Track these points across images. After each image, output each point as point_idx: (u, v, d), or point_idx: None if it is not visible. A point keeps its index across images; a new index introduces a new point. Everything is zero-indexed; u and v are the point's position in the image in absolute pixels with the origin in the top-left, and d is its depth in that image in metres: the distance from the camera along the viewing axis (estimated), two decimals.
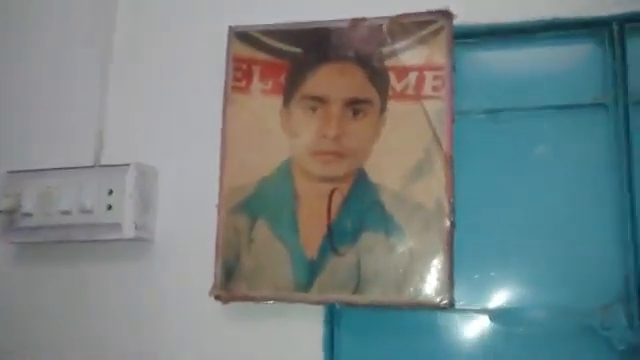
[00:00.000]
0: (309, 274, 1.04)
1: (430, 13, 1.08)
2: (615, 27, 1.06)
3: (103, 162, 1.23)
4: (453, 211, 1.01)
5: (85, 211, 1.14)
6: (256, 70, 1.13)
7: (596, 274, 1.02)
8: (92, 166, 1.21)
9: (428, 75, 1.06)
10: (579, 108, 1.07)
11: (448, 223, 1.01)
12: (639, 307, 0.98)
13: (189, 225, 1.16)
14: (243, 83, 1.14)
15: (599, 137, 1.05)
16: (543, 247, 1.04)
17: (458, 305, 1.00)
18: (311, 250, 1.05)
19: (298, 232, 1.06)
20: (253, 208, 1.08)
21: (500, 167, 1.08)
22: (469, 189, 1.04)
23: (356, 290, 1.02)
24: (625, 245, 1.00)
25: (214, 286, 1.07)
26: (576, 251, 1.03)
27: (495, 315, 1.04)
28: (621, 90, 1.05)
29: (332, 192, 1.06)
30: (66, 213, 1.15)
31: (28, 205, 1.18)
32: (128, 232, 1.13)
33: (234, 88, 1.14)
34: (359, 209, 1.05)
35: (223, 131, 1.13)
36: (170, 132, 1.21)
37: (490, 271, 1.05)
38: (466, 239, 1.03)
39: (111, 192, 1.15)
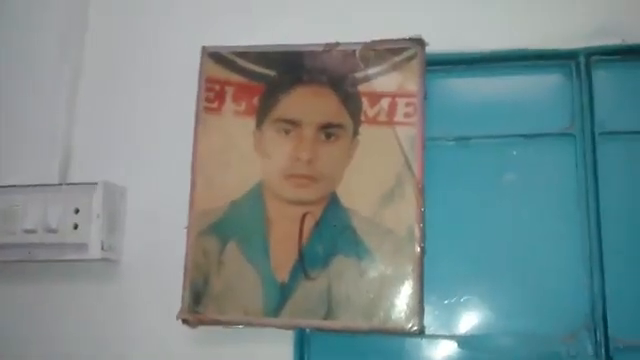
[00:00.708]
0: (280, 298, 1.03)
1: (403, 40, 1.09)
2: (582, 59, 1.08)
3: (69, 180, 1.20)
4: (423, 237, 1.02)
5: (50, 230, 1.12)
6: (229, 91, 1.13)
7: (563, 301, 1.03)
8: (58, 184, 1.18)
9: (400, 102, 1.07)
10: (547, 137, 1.09)
11: (418, 249, 1.02)
12: (605, 335, 0.99)
13: (157, 246, 1.15)
14: (215, 104, 1.13)
15: (567, 166, 1.07)
16: (511, 274, 1.05)
17: (427, 331, 1.01)
18: (282, 274, 1.04)
19: (269, 256, 1.05)
20: (224, 231, 1.07)
21: (469, 194, 1.09)
22: (438, 215, 1.05)
23: (327, 315, 1.02)
24: (591, 273, 1.01)
25: (182, 309, 1.06)
26: (543, 278, 1.05)
27: (463, 341, 1.04)
28: (588, 120, 1.07)
29: (304, 216, 1.06)
30: (30, 232, 1.13)
31: None
32: (94, 252, 1.11)
33: (206, 109, 1.13)
34: (331, 233, 1.05)
35: (194, 152, 1.12)
36: (139, 151, 1.20)
37: (458, 297, 1.06)
38: (435, 265, 1.03)
39: (78, 211, 1.13)
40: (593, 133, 1.07)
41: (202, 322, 1.05)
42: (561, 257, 1.05)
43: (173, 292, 1.08)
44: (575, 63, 1.09)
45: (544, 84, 1.12)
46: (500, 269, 1.06)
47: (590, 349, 0.99)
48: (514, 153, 1.10)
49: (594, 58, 1.09)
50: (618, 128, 1.07)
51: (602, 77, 1.08)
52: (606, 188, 1.05)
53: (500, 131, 1.10)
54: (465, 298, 1.06)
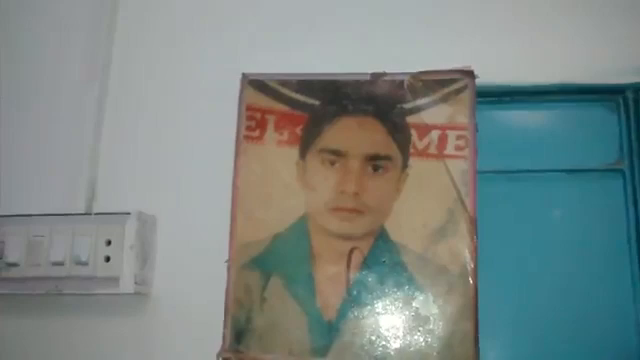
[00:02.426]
0: (327, 338, 0.99)
1: (453, 71, 1.07)
2: (630, 94, 1.08)
3: (96, 210, 1.14)
4: (477, 274, 0.99)
5: (80, 263, 1.06)
6: (271, 120, 1.09)
7: (614, 341, 1.02)
8: (87, 213, 1.12)
9: (451, 134, 1.05)
10: (596, 172, 1.08)
11: (472, 286, 0.98)
12: None
13: (190, 279, 1.10)
14: (257, 132, 1.09)
15: (616, 202, 1.06)
16: (564, 310, 1.04)
17: None
18: (329, 312, 1.00)
19: (315, 292, 1.01)
20: (266, 265, 1.03)
21: (518, 228, 1.07)
22: (488, 250, 1.02)
23: (378, 357, 0.97)
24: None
25: (223, 348, 1.01)
26: (593, 317, 1.04)
27: None
28: (637, 156, 1.06)
29: (351, 251, 1.02)
30: (58, 264, 1.07)
31: (14, 254, 1.08)
32: (127, 287, 1.06)
33: (247, 137, 1.09)
34: (380, 269, 1.01)
35: (234, 181, 1.08)
36: (172, 180, 1.15)
37: (512, 335, 1.03)
38: (487, 302, 1.00)
39: (109, 243, 1.07)
40: None
41: None
42: (611, 296, 1.04)
43: (209, 328, 1.03)
44: (623, 98, 1.09)
45: (592, 118, 1.11)
46: (552, 305, 1.04)
47: None
48: (562, 188, 1.07)
49: None
50: None
51: None
52: None
53: (548, 165, 1.09)
54: (518, 336, 1.03)
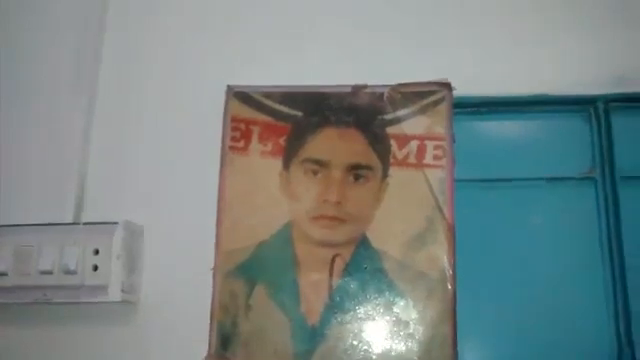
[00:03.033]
0: (311, 342, 1.02)
1: (430, 84, 1.11)
2: (601, 105, 1.12)
3: (84, 219, 1.16)
4: (455, 279, 1.02)
5: (69, 272, 1.08)
6: (255, 131, 1.12)
7: (590, 345, 1.06)
8: (75, 223, 1.14)
9: (429, 144, 1.08)
10: (569, 180, 1.12)
11: (451, 292, 1.02)
12: None
13: (177, 288, 1.12)
14: (241, 143, 1.12)
15: (589, 209, 1.10)
16: (538, 317, 1.07)
17: None
18: (313, 318, 1.03)
19: (299, 299, 1.04)
20: (251, 273, 1.06)
21: (494, 235, 1.10)
22: (466, 256, 1.06)
23: (359, 359, 1.00)
24: (617, 319, 1.04)
25: (209, 354, 1.03)
26: (569, 321, 1.07)
27: None
28: (608, 165, 1.10)
29: (333, 258, 1.05)
30: (47, 273, 1.09)
31: (2, 263, 1.10)
32: (115, 295, 1.08)
33: (232, 148, 1.12)
34: (361, 275, 1.04)
35: (220, 191, 1.10)
36: (157, 190, 1.17)
37: (489, 338, 1.06)
38: (465, 306, 1.03)
39: (97, 252, 1.09)
40: (614, 177, 1.10)
41: None
42: (587, 301, 1.07)
43: (196, 334, 1.06)
44: (594, 108, 1.13)
45: (565, 128, 1.15)
46: (528, 311, 1.07)
47: None
48: (538, 195, 1.11)
49: (612, 105, 1.12)
50: (639, 173, 1.09)
51: (621, 123, 1.12)
52: (628, 230, 1.07)
53: (524, 174, 1.13)
54: (496, 339, 1.06)
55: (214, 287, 1.06)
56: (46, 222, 1.13)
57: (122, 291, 1.08)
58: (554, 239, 1.09)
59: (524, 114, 1.15)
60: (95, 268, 1.09)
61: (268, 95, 1.13)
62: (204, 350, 1.04)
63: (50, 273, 1.09)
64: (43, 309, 1.12)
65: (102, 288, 1.08)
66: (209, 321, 1.05)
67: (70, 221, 1.15)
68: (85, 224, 1.14)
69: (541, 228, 1.10)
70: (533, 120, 1.15)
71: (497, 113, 1.15)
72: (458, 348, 1.01)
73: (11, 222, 1.13)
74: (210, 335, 1.04)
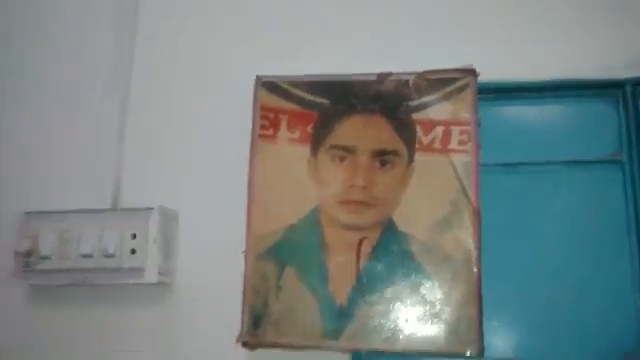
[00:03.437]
0: (339, 322, 1.05)
1: (455, 70, 1.12)
2: (628, 89, 1.12)
3: (121, 205, 1.22)
4: (480, 262, 1.04)
5: (108, 255, 1.13)
6: (283, 119, 1.16)
7: (617, 323, 1.06)
8: (113, 209, 1.20)
9: (454, 129, 1.10)
10: (596, 164, 1.12)
11: (476, 273, 1.03)
12: None
13: (211, 270, 1.16)
14: (270, 131, 1.16)
15: (615, 192, 1.10)
16: (565, 297, 1.08)
17: (486, 355, 1.02)
18: (340, 298, 1.06)
19: (327, 280, 1.07)
20: (281, 255, 1.09)
21: (520, 219, 1.11)
22: (492, 240, 1.07)
23: (385, 339, 1.03)
24: None
25: (241, 333, 1.07)
26: (597, 300, 1.07)
27: None
28: (635, 148, 1.10)
29: (361, 241, 1.08)
30: (87, 257, 1.14)
31: (46, 248, 1.16)
32: (151, 277, 1.13)
33: (261, 136, 1.16)
34: (388, 258, 1.07)
35: (250, 177, 1.14)
36: (191, 177, 1.22)
37: (515, 320, 1.08)
38: (491, 289, 1.05)
39: (134, 236, 1.14)
40: None
41: (262, 345, 1.07)
42: (611, 284, 1.07)
43: (228, 317, 1.09)
44: (622, 92, 1.13)
45: (592, 112, 1.15)
46: (554, 292, 1.08)
47: None
48: (564, 179, 1.12)
49: None
50: None
51: None
52: None
53: (550, 157, 1.13)
54: (521, 321, 1.08)
55: (245, 269, 1.09)
56: (86, 208, 1.18)
57: (158, 273, 1.13)
58: (579, 223, 1.10)
59: (550, 99, 1.15)
60: (133, 251, 1.14)
61: (295, 84, 1.16)
62: (236, 330, 1.08)
63: (90, 257, 1.14)
64: (83, 291, 1.17)
65: (139, 270, 1.13)
66: (241, 302, 1.08)
67: (109, 207, 1.20)
68: (122, 210, 1.19)
69: (566, 212, 1.11)
70: (559, 105, 1.16)
71: (523, 98, 1.16)
72: (484, 329, 1.02)
73: (54, 209, 1.19)
74: (242, 315, 1.08)
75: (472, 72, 1.11)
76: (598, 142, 1.13)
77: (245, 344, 1.07)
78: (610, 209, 1.10)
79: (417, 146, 1.10)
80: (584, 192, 1.12)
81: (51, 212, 1.19)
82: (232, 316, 1.09)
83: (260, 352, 1.07)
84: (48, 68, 1.31)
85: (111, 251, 1.13)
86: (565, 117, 1.15)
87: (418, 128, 1.11)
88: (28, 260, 1.17)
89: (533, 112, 1.16)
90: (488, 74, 1.12)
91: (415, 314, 1.03)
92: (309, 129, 1.14)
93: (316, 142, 1.14)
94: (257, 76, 1.18)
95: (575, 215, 1.11)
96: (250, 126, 1.17)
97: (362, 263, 1.07)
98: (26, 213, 1.19)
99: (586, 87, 1.13)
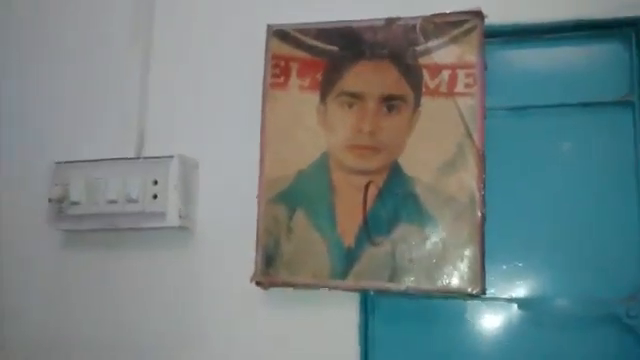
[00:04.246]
0: (346, 262, 1.09)
1: (462, 13, 1.12)
2: None
3: (145, 154, 1.28)
4: (484, 204, 1.06)
5: (131, 200, 1.20)
6: (294, 67, 1.18)
7: (621, 265, 1.07)
8: (136, 158, 1.26)
9: (460, 73, 1.11)
10: (606, 105, 1.11)
11: (480, 215, 1.06)
12: None
13: (228, 215, 1.22)
14: (281, 79, 1.19)
15: (625, 133, 1.09)
16: (569, 239, 1.09)
17: (488, 294, 1.05)
18: (348, 240, 1.10)
19: (335, 222, 1.11)
20: (292, 199, 1.14)
21: (528, 162, 1.12)
22: (497, 183, 1.08)
23: (391, 278, 1.07)
24: None
25: (255, 272, 1.13)
26: (601, 243, 1.08)
27: (523, 304, 1.09)
28: None
29: (368, 184, 1.11)
30: (113, 202, 1.21)
31: (76, 194, 1.24)
32: (172, 220, 1.19)
33: (272, 84, 1.19)
34: (394, 201, 1.10)
35: (262, 126, 1.18)
36: (209, 126, 1.27)
37: (518, 261, 1.10)
38: (495, 230, 1.07)
39: (156, 182, 1.21)
40: None
41: (274, 284, 1.12)
42: (619, 223, 1.08)
43: (244, 258, 1.15)
44: (635, 31, 1.10)
45: (603, 53, 1.13)
46: (558, 234, 1.09)
47: None
48: (571, 122, 1.11)
49: None
50: None
51: None
52: None
53: (558, 100, 1.13)
54: (524, 262, 1.10)
55: (258, 213, 1.14)
56: (112, 157, 1.25)
57: (179, 217, 1.19)
58: (588, 163, 1.10)
59: (559, 41, 1.14)
60: (155, 197, 1.20)
61: (305, 32, 1.18)
62: (251, 269, 1.14)
63: (115, 202, 1.21)
64: (110, 235, 1.25)
65: (161, 215, 1.19)
66: (255, 244, 1.14)
67: (132, 156, 1.27)
68: (145, 158, 1.25)
69: (574, 155, 1.11)
70: (569, 46, 1.15)
71: (531, 41, 1.15)
72: (486, 268, 1.04)
73: (83, 158, 1.26)
74: (256, 256, 1.13)
75: (479, 14, 1.11)
76: (609, 83, 1.11)
77: (258, 283, 1.13)
78: (619, 151, 1.09)
79: (424, 90, 1.12)
80: (594, 133, 1.11)
81: (79, 161, 1.26)
82: (247, 257, 1.15)
83: (273, 291, 1.13)
84: (73, 21, 1.37)
85: (134, 196, 1.20)
86: (575, 59, 1.14)
87: (425, 72, 1.12)
88: (60, 206, 1.25)
89: (542, 55, 1.15)
90: (496, 17, 1.11)
91: (419, 254, 1.07)
92: (319, 76, 1.17)
93: (325, 89, 1.16)
94: (268, 25, 1.21)
95: (583, 158, 1.11)
96: (262, 75, 1.19)
97: (369, 206, 1.10)
98: (56, 163, 1.26)
99: (599, 27, 1.11)
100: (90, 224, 1.24)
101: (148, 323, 1.21)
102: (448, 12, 1.12)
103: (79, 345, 1.24)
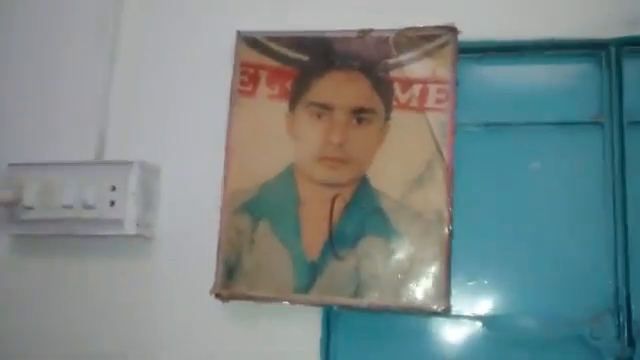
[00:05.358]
0: (309, 276, 1.06)
1: (436, 28, 1.11)
2: (612, 49, 1.10)
3: (106, 158, 1.23)
4: (451, 220, 1.04)
5: (87, 206, 1.15)
6: (263, 75, 1.16)
7: (587, 285, 1.06)
8: (94, 162, 1.21)
9: (432, 88, 1.09)
10: (576, 125, 1.11)
11: (447, 232, 1.04)
12: (628, 318, 1.02)
13: (189, 224, 1.18)
14: (250, 87, 1.16)
15: (594, 154, 1.09)
16: (536, 257, 1.08)
17: (453, 311, 1.03)
18: (312, 253, 1.07)
19: (300, 235, 1.08)
20: (256, 210, 1.10)
21: (497, 179, 1.11)
22: (466, 199, 1.07)
23: (355, 294, 1.05)
24: (616, 258, 1.04)
25: (215, 284, 1.09)
26: (568, 262, 1.07)
27: (488, 322, 1.07)
28: (617, 110, 1.08)
29: (334, 197, 1.09)
30: (68, 207, 1.16)
31: (29, 198, 1.18)
32: (130, 228, 1.14)
33: (240, 92, 1.16)
34: (360, 215, 1.07)
35: (228, 133, 1.15)
36: (173, 132, 1.23)
37: (484, 279, 1.08)
38: (462, 247, 1.05)
39: (114, 188, 1.16)
40: (622, 122, 1.08)
41: (234, 297, 1.09)
42: (586, 243, 1.07)
43: (205, 269, 1.11)
44: (605, 53, 1.10)
45: (574, 73, 1.13)
46: (525, 253, 1.08)
47: (613, 331, 1.02)
48: (541, 141, 1.11)
49: (625, 48, 1.10)
50: None
51: (632, 67, 1.10)
52: (633, 176, 1.06)
53: (529, 118, 1.12)
54: (490, 279, 1.08)
55: (221, 223, 1.11)
56: (69, 160, 1.20)
57: (137, 225, 1.15)
58: (557, 183, 1.09)
59: (532, 59, 1.13)
60: (112, 203, 1.15)
61: (276, 40, 1.16)
62: (211, 281, 1.10)
63: (71, 207, 1.16)
64: (66, 242, 1.20)
65: (118, 222, 1.15)
66: (216, 255, 1.10)
67: (92, 159, 1.22)
68: (103, 163, 1.20)
69: (545, 172, 1.10)
70: (541, 65, 1.14)
71: (504, 58, 1.14)
72: (452, 286, 1.03)
73: (38, 160, 1.21)
74: (217, 267, 1.09)
75: (453, 30, 1.10)
76: (579, 104, 1.11)
77: (218, 296, 1.09)
78: (588, 170, 1.09)
79: (394, 104, 1.10)
80: (562, 153, 1.11)
81: (34, 164, 1.20)
82: (208, 269, 1.11)
83: (233, 304, 1.09)
84: (35, 19, 1.32)
85: (91, 202, 1.15)
86: (546, 78, 1.13)
87: (396, 86, 1.10)
88: (12, 210, 1.19)
89: (514, 72, 1.15)
90: (470, 32, 1.10)
91: (384, 270, 1.04)
92: (288, 85, 1.14)
93: (295, 98, 1.14)
94: (238, 31, 1.18)
95: (552, 177, 1.10)
96: (230, 82, 1.16)
97: (335, 219, 1.08)
98: (10, 165, 1.21)
99: (570, 47, 1.11)
100: (44, 230, 1.18)
101: (102, 334, 1.16)
102: (422, 26, 1.10)
103: (28, 356, 1.18)
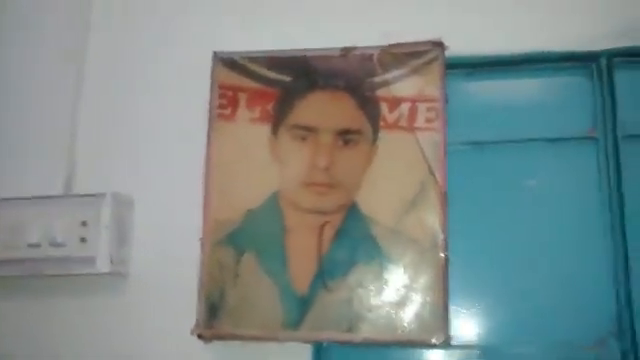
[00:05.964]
0: (299, 311, 1.00)
1: (422, 43, 1.06)
2: (603, 61, 1.06)
3: (74, 191, 1.15)
4: (447, 246, 0.99)
5: (56, 244, 1.07)
6: (242, 97, 1.10)
7: (589, 308, 1.01)
8: (63, 196, 1.13)
9: (421, 106, 1.04)
10: (570, 141, 1.07)
11: (443, 258, 0.98)
12: (633, 341, 0.97)
13: (167, 259, 1.11)
14: (229, 110, 1.09)
15: (589, 170, 1.05)
16: (535, 281, 1.03)
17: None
18: (301, 286, 1.00)
19: (287, 267, 1.01)
20: (240, 241, 1.04)
21: (490, 198, 1.07)
22: (459, 222, 1.02)
23: (348, 328, 0.98)
24: (617, 278, 1.00)
25: (197, 324, 1.02)
26: (568, 285, 1.03)
27: (488, 351, 1.01)
28: (610, 124, 1.05)
29: (323, 225, 1.02)
30: (35, 246, 1.08)
31: None
32: (103, 266, 1.07)
33: (219, 115, 1.09)
34: (351, 243, 1.01)
35: (207, 160, 1.08)
36: (146, 160, 1.16)
37: (480, 305, 1.03)
38: (458, 273, 1.00)
39: (85, 224, 1.08)
40: (616, 136, 1.05)
41: (218, 337, 1.01)
42: (586, 263, 1.03)
43: (185, 307, 1.04)
44: (596, 65, 1.07)
45: (565, 87, 1.10)
46: (524, 276, 1.03)
47: (618, 356, 0.97)
48: (535, 158, 1.07)
49: (616, 60, 1.07)
50: None
51: (624, 79, 1.07)
52: (630, 191, 1.03)
53: (521, 135, 1.08)
54: (487, 306, 1.03)
55: (202, 257, 1.04)
56: (36, 195, 1.11)
57: (111, 262, 1.07)
58: (553, 202, 1.05)
59: (522, 72, 1.10)
60: (82, 240, 1.07)
61: (254, 60, 1.10)
62: (192, 320, 1.02)
63: (38, 246, 1.07)
64: (34, 281, 1.11)
65: (90, 260, 1.07)
66: (197, 291, 1.02)
67: (61, 192, 1.14)
68: (73, 196, 1.12)
69: (540, 191, 1.06)
70: (531, 79, 1.11)
71: (493, 72, 1.10)
72: (450, 315, 0.97)
73: (3, 195, 1.12)
74: (198, 305, 1.02)
75: (440, 45, 1.05)
76: (572, 118, 1.08)
77: (200, 336, 1.01)
78: (584, 187, 1.05)
79: (382, 124, 1.05)
80: (558, 170, 1.07)
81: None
82: (189, 306, 1.04)
83: (217, 344, 1.02)
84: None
85: (60, 240, 1.07)
86: (537, 92, 1.10)
87: (383, 105, 1.05)
88: None
89: (504, 87, 1.11)
90: (457, 48, 1.06)
91: (378, 302, 0.98)
92: (269, 107, 1.08)
93: (277, 121, 1.08)
94: (214, 52, 1.12)
95: (548, 194, 1.06)
96: (207, 106, 1.10)
97: (324, 249, 1.01)
98: None
99: (560, 60, 1.08)
100: (10, 270, 1.09)
101: None
102: (407, 42, 1.05)
103: None
